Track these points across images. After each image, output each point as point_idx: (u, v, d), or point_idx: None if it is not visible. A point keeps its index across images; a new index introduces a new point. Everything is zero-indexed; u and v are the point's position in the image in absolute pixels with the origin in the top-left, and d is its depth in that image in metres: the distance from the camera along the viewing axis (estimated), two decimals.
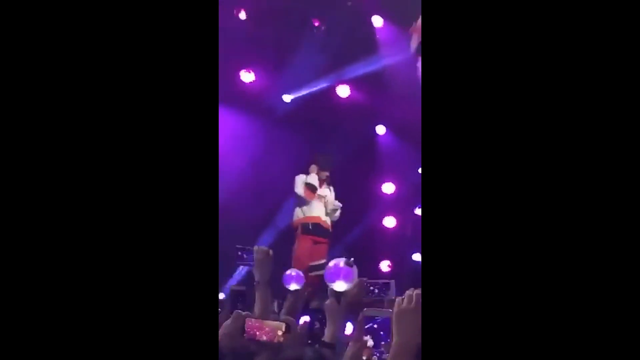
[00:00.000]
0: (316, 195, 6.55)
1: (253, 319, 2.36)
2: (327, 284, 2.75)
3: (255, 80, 8.10)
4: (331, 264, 2.80)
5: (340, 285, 2.71)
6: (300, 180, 6.64)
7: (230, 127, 8.17)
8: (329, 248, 6.72)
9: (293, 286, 3.32)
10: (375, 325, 2.49)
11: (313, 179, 6.61)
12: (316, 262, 6.31)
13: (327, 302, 2.65)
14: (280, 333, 2.26)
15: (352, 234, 7.43)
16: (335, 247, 7.01)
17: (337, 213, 6.70)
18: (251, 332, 2.31)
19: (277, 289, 3.27)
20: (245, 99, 8.01)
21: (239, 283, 6.59)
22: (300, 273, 3.43)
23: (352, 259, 2.98)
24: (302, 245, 6.49)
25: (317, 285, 5.83)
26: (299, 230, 6.57)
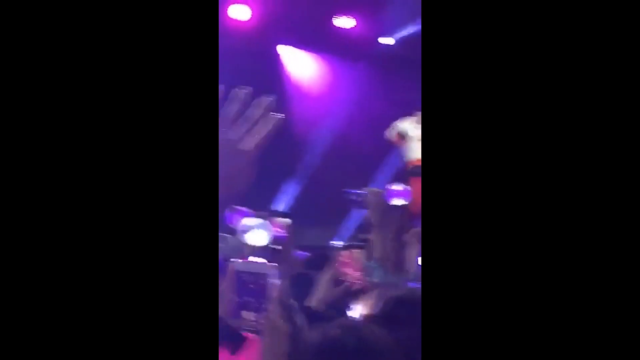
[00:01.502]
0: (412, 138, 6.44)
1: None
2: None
3: (357, 25, 8.00)
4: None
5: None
6: (395, 126, 6.56)
7: (332, 74, 8.16)
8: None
9: (397, 201, 3.17)
10: None
11: (406, 126, 6.51)
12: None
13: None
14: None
15: None
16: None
17: None
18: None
19: None
20: (343, 44, 7.95)
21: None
22: (408, 188, 3.28)
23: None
24: (414, 188, 6.41)
25: None
26: (410, 174, 6.51)
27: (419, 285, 1.92)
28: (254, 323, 1.61)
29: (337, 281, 2.40)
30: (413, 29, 7.97)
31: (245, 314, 1.65)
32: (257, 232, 2.58)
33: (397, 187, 3.15)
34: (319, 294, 2.55)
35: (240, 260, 1.77)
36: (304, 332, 1.56)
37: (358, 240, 3.44)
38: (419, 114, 6.50)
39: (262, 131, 1.41)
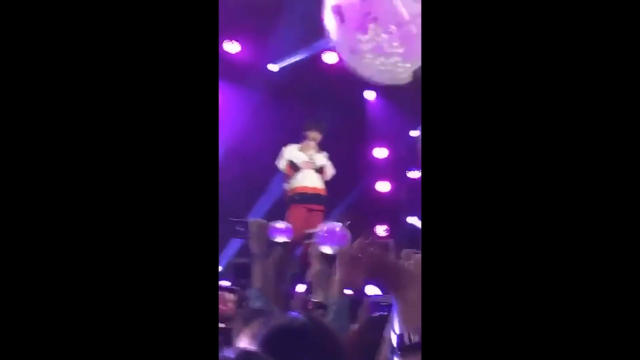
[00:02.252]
0: (304, 164, 6.52)
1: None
2: (319, 246, 2.71)
3: (241, 51, 8.03)
4: (325, 227, 2.76)
5: (331, 249, 2.68)
6: (284, 154, 6.62)
7: (223, 99, 8.11)
8: (325, 211, 6.70)
9: (279, 238, 3.23)
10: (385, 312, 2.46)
11: (296, 155, 6.58)
12: (312, 230, 6.29)
13: (314, 269, 2.62)
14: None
15: (345, 201, 7.41)
16: (331, 213, 7.01)
17: (329, 169, 6.66)
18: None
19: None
20: (231, 70, 7.94)
21: (237, 256, 6.58)
22: (290, 227, 3.34)
23: (349, 222, 2.96)
24: (295, 214, 6.48)
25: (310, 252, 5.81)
26: (289, 202, 6.57)
27: (299, 315, 1.93)
28: None
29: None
30: (297, 56, 8.09)
31: None
32: None
33: (280, 224, 3.19)
34: None
35: None
36: None
37: (235, 266, 3.42)
38: (306, 141, 6.60)
39: None
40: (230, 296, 2.47)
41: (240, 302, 2.81)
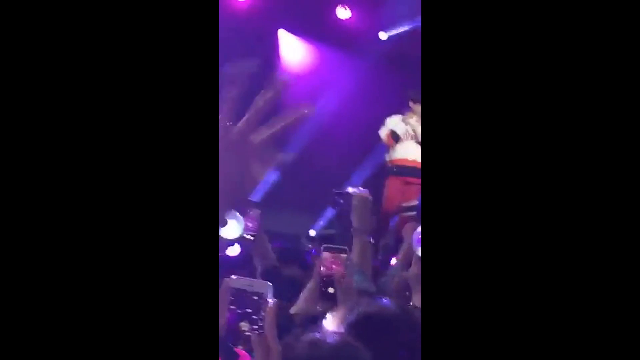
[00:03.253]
0: (406, 136, 6.46)
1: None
2: (416, 251, 2.63)
3: (352, 17, 7.99)
4: (418, 230, 2.68)
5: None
6: (387, 124, 6.56)
7: (327, 65, 8.14)
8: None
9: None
10: None
11: (399, 127, 6.51)
12: (408, 203, 6.27)
13: (411, 269, 2.57)
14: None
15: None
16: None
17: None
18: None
19: None
20: (342, 36, 7.94)
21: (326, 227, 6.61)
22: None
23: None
24: (392, 186, 6.46)
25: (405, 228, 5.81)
26: (387, 173, 6.55)
27: (389, 302, 1.93)
28: (250, 334, 1.63)
29: (322, 289, 2.38)
30: (409, 25, 7.98)
31: (243, 324, 1.66)
32: (229, 225, 2.55)
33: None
34: (303, 303, 2.54)
35: (235, 277, 1.75)
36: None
37: (325, 234, 3.39)
38: (410, 112, 6.54)
39: (276, 123, 1.20)
40: (339, 257, 2.41)
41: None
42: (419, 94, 6.57)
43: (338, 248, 2.43)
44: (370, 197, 3.06)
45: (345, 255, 2.41)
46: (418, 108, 6.49)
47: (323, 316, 2.16)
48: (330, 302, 2.32)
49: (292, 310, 2.48)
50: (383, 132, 6.55)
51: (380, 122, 6.66)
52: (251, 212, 3.09)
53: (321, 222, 6.76)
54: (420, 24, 7.87)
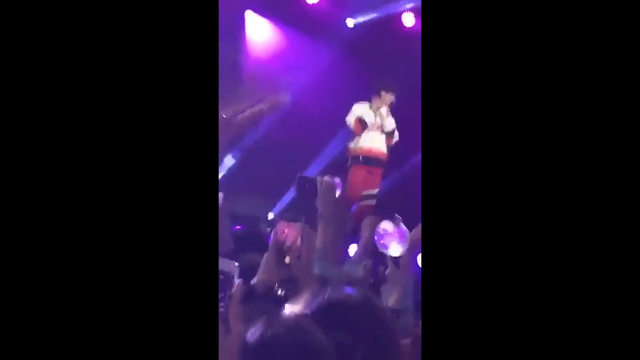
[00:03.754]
0: (373, 126, 6.45)
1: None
2: (381, 250, 2.62)
3: (320, 2, 7.94)
4: (380, 228, 2.66)
5: (395, 249, 2.60)
6: (355, 110, 6.53)
7: (293, 49, 8.08)
8: (383, 176, 6.67)
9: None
10: None
11: (367, 114, 6.49)
12: (369, 192, 6.29)
13: (387, 270, 2.55)
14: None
15: (407, 164, 7.33)
16: (389, 175, 6.96)
17: (396, 134, 6.59)
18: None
19: None
20: (308, 19, 7.88)
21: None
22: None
23: (399, 216, 2.86)
24: (356, 174, 6.46)
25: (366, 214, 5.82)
26: (351, 161, 6.54)
27: (353, 291, 1.92)
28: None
29: (278, 257, 2.37)
30: (376, 14, 7.96)
31: None
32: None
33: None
34: (261, 274, 2.52)
35: None
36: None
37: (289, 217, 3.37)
38: (378, 100, 6.52)
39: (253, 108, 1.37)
40: (294, 225, 2.40)
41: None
42: (388, 82, 6.57)
43: (293, 218, 2.43)
44: (337, 184, 3.05)
45: (299, 223, 2.40)
46: (388, 97, 6.48)
47: (281, 286, 2.16)
48: (287, 271, 2.30)
49: (253, 281, 2.47)
50: (350, 119, 6.52)
51: (344, 110, 6.63)
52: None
53: (280, 206, 6.73)
54: (387, 12, 7.89)
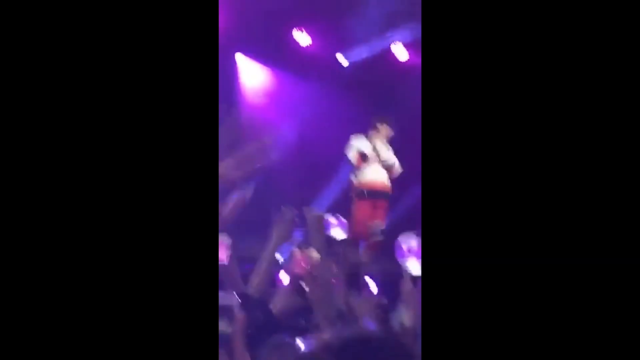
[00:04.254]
0: (374, 159, 6.40)
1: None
2: (402, 265, 2.57)
3: (312, 43, 7.97)
4: (402, 244, 2.62)
5: (414, 265, 2.54)
6: (354, 144, 6.49)
7: (286, 91, 8.10)
8: (388, 209, 6.60)
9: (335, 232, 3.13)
10: None
11: (365, 146, 6.45)
12: (376, 227, 6.21)
13: (404, 288, 2.49)
14: None
15: (410, 195, 7.29)
16: (395, 207, 6.90)
17: (397, 166, 6.53)
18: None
19: None
20: (301, 61, 7.91)
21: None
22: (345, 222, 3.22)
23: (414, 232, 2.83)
24: (361, 209, 6.36)
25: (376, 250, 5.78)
26: (354, 196, 6.46)
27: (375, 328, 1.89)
28: None
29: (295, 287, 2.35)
30: (371, 52, 8.01)
31: None
32: None
33: (332, 219, 3.11)
34: (279, 302, 2.48)
35: None
36: None
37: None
38: (374, 133, 6.49)
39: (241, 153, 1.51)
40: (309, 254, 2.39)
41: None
42: (384, 115, 6.56)
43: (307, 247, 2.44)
44: (324, 216, 3.06)
45: (314, 251, 2.41)
46: (384, 129, 6.45)
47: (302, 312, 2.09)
48: (304, 298, 2.31)
49: (273, 309, 2.42)
50: (351, 154, 6.47)
51: (343, 146, 6.60)
52: (222, 241, 3.05)
53: (287, 247, 6.65)
54: (380, 49, 7.94)
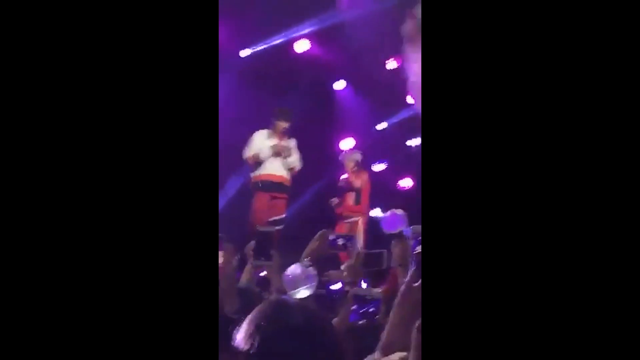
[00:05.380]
0: (272, 153, 6.51)
1: None
2: (289, 292, 2.67)
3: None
4: (288, 271, 2.72)
5: (302, 293, 2.64)
6: (253, 142, 6.58)
7: None
8: (288, 203, 6.73)
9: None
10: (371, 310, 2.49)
11: (264, 147, 6.54)
12: (276, 217, 6.31)
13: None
14: None
15: (310, 190, 7.42)
16: (294, 202, 7.01)
17: (296, 164, 6.67)
18: None
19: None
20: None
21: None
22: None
23: (308, 260, 2.92)
24: (259, 201, 6.49)
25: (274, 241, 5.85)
26: (253, 189, 6.58)
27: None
28: None
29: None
30: (270, 42, 8.07)
31: None
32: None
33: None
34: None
35: None
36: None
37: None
38: (274, 131, 6.57)
39: None
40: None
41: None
42: (279, 111, 6.65)
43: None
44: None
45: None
46: (281, 124, 6.55)
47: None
48: None
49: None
50: (247, 154, 6.58)
51: (245, 139, 6.66)
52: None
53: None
54: (278, 41, 7.99)
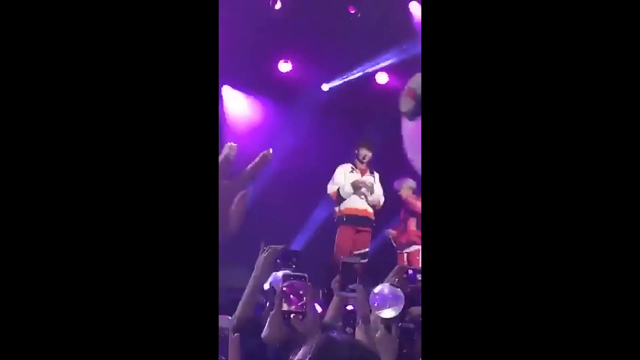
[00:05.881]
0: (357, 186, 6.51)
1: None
2: (375, 311, 2.62)
3: (292, 69, 8.09)
4: (376, 290, 2.67)
5: (388, 313, 2.59)
6: (336, 177, 6.60)
7: (269, 117, 8.18)
8: (372, 236, 6.70)
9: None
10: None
11: (348, 177, 6.56)
12: (360, 251, 6.29)
13: (378, 334, 2.55)
14: None
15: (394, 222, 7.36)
16: (378, 235, 6.98)
17: (379, 201, 6.65)
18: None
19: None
20: (283, 89, 8.00)
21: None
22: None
23: (397, 279, 2.86)
24: (343, 234, 6.48)
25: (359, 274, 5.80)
26: (337, 222, 6.58)
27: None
28: None
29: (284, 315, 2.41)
30: (349, 76, 8.13)
31: None
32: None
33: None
34: (269, 330, 2.56)
35: None
36: None
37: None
38: (357, 161, 6.59)
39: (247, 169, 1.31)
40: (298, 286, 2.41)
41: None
42: (362, 140, 6.66)
43: (297, 276, 2.45)
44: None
45: (304, 282, 2.42)
46: (363, 152, 6.55)
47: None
48: (292, 329, 2.32)
49: (262, 335, 2.50)
50: (330, 189, 6.61)
51: (328, 172, 6.69)
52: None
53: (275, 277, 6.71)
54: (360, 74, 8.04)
